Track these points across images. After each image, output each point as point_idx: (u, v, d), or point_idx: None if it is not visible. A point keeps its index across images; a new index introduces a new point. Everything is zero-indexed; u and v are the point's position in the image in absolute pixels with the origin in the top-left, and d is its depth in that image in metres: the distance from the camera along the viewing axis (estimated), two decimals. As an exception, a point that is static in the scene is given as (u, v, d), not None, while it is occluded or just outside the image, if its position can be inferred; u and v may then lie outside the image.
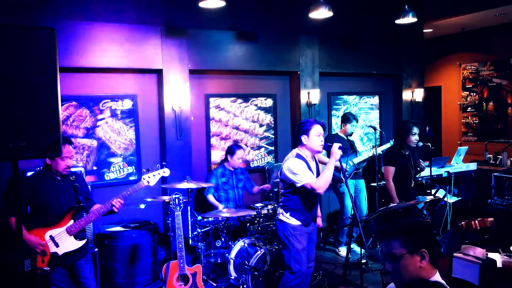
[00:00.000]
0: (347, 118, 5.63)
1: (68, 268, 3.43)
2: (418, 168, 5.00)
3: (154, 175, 3.73)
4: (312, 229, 3.83)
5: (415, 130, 4.77)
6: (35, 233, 3.23)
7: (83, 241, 3.42)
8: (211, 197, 5.12)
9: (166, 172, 3.83)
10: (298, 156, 3.66)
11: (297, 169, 3.57)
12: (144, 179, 3.68)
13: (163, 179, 5.27)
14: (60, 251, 3.30)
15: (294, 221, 3.67)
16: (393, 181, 4.83)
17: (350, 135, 5.69)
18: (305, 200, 3.67)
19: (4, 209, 3.32)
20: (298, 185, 3.57)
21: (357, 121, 5.67)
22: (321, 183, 3.56)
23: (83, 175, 4.50)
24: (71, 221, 3.36)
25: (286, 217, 3.69)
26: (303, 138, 3.64)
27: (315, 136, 3.62)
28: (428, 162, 5.05)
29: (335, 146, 3.63)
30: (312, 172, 3.67)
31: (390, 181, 4.78)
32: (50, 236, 3.28)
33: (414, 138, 4.77)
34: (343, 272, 3.81)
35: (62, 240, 3.31)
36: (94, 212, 3.43)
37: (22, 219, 3.13)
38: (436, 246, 2.04)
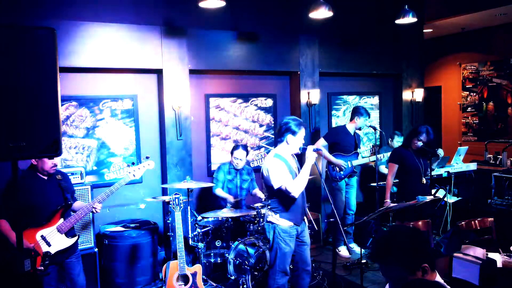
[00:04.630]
0: (360, 112, 5.45)
1: (59, 265, 3.48)
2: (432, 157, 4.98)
3: (139, 168, 3.79)
4: (303, 229, 3.79)
5: (423, 137, 4.80)
6: (25, 235, 3.21)
7: (75, 238, 3.50)
8: (219, 191, 5.05)
9: (150, 164, 3.87)
10: (278, 156, 3.62)
11: (274, 170, 3.53)
12: (129, 172, 3.73)
13: (162, 179, 5.28)
14: (53, 249, 3.34)
15: (284, 223, 3.63)
16: (402, 179, 4.86)
17: (359, 129, 5.61)
18: (292, 200, 3.61)
19: None
20: (275, 187, 3.53)
21: (369, 116, 5.52)
22: (295, 187, 3.51)
23: (83, 174, 4.51)
24: (61, 220, 3.41)
25: (276, 219, 3.65)
26: (289, 137, 3.61)
27: (300, 138, 3.62)
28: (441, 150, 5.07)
29: (310, 149, 3.57)
30: (293, 170, 3.64)
31: (389, 178, 4.86)
32: (42, 236, 3.32)
33: (419, 143, 4.81)
34: (332, 272, 3.80)
35: (54, 239, 3.36)
36: (83, 209, 3.49)
37: (12, 220, 3.22)
38: (432, 250, 1.98)
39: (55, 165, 3.42)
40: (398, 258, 1.78)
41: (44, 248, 3.31)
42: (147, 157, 3.89)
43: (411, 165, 4.78)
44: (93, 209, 3.54)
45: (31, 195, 3.33)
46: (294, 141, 3.61)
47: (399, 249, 1.80)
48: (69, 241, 3.43)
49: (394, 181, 5.09)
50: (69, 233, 3.45)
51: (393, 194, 5.22)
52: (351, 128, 5.55)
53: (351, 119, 5.58)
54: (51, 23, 4.36)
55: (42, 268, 3.25)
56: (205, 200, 5.32)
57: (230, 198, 4.97)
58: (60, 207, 3.41)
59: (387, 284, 2.08)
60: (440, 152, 4.98)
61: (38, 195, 3.36)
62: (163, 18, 5.14)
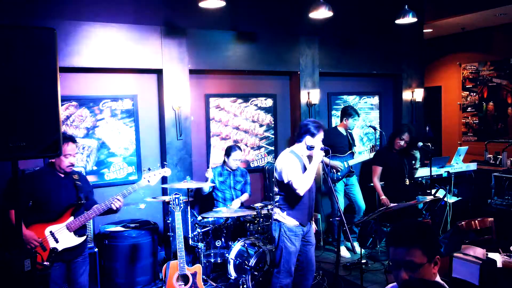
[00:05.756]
0: (349, 113, 5.49)
1: (67, 263, 3.48)
2: (413, 161, 5.03)
3: (154, 175, 3.75)
4: (309, 230, 3.80)
5: (405, 136, 4.80)
6: (35, 229, 3.28)
7: (83, 238, 3.48)
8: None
9: (167, 172, 3.84)
10: (293, 153, 3.68)
11: (287, 164, 3.59)
12: (144, 178, 3.71)
13: (163, 179, 5.28)
14: (60, 246, 3.36)
15: (290, 221, 3.65)
16: (386, 180, 4.87)
17: (351, 130, 5.63)
18: (302, 199, 3.64)
19: (5, 203, 3.39)
20: (285, 181, 3.57)
21: (359, 116, 5.54)
22: (301, 184, 3.54)
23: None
24: (71, 218, 3.42)
25: (282, 217, 3.67)
26: (308, 139, 3.66)
27: (318, 141, 3.66)
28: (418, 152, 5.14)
29: (317, 147, 3.62)
30: (304, 170, 3.66)
31: (375, 180, 4.92)
32: (50, 232, 3.34)
33: (402, 142, 4.81)
34: (335, 273, 3.80)
35: (62, 236, 3.37)
36: (94, 209, 3.48)
37: (22, 214, 3.21)
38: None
39: (72, 165, 3.46)
40: (425, 243, 1.83)
41: (52, 244, 3.33)
42: (164, 164, 3.88)
43: (395, 167, 4.79)
44: (112, 205, 3.53)
45: (45, 190, 3.38)
46: (312, 143, 3.66)
47: (426, 235, 1.86)
48: (76, 240, 3.44)
49: (372, 184, 5.13)
50: (78, 232, 3.46)
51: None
52: (342, 129, 5.56)
53: (341, 121, 5.59)
54: (51, 23, 4.36)
55: (48, 263, 3.28)
56: (205, 200, 5.32)
57: (206, 186, 5.01)
58: (71, 205, 3.44)
59: (389, 285, 2.08)
60: (417, 153, 5.01)
61: (52, 191, 3.40)
62: (163, 18, 5.13)
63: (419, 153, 5.15)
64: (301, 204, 3.66)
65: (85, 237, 3.50)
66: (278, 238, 3.67)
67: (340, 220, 3.55)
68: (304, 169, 3.66)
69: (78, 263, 3.53)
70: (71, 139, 3.47)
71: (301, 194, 3.56)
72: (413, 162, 5.04)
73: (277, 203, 3.75)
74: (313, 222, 3.93)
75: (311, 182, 3.61)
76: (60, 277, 3.43)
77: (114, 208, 3.50)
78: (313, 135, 3.64)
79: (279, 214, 3.70)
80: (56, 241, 3.34)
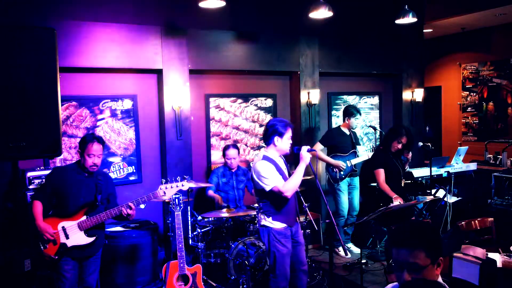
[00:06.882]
0: (350, 112, 5.49)
1: (78, 261, 3.52)
2: (404, 161, 5.04)
3: (171, 187, 3.64)
4: (297, 230, 3.78)
5: (403, 139, 4.80)
6: (49, 222, 3.37)
7: (92, 238, 3.49)
8: (211, 192, 5.13)
9: (184, 185, 3.68)
10: (266, 158, 3.60)
11: (265, 172, 3.51)
12: (161, 189, 3.62)
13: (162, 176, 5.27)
14: (69, 243, 3.41)
15: (278, 225, 3.60)
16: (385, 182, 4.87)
17: (354, 128, 5.63)
18: (285, 201, 3.59)
19: (37, 193, 3.51)
20: (267, 189, 3.51)
21: (360, 114, 5.55)
22: (289, 187, 3.50)
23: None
24: (84, 217, 3.46)
25: (269, 222, 3.61)
26: (276, 139, 3.58)
27: (287, 139, 3.61)
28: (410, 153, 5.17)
29: (304, 150, 3.56)
30: (282, 171, 3.63)
31: (382, 183, 4.82)
32: (62, 227, 3.40)
33: (400, 145, 4.80)
34: (329, 272, 3.80)
35: (73, 233, 3.42)
36: (107, 212, 3.50)
37: (45, 206, 3.42)
38: None
39: (95, 165, 3.48)
40: (428, 245, 1.81)
41: (62, 239, 3.39)
42: (185, 177, 3.75)
43: (393, 169, 4.79)
44: (122, 213, 3.54)
45: (67, 186, 3.44)
46: (282, 143, 3.59)
47: (430, 237, 1.84)
48: (86, 239, 3.46)
49: (373, 184, 5.11)
50: (89, 232, 3.48)
51: (378, 198, 5.19)
52: (345, 129, 5.56)
53: (344, 120, 5.60)
54: (51, 23, 4.36)
55: (57, 257, 3.36)
56: (204, 200, 5.32)
57: (219, 200, 5.02)
58: (86, 204, 3.47)
59: (389, 285, 2.08)
60: (409, 155, 5.04)
61: (72, 188, 3.45)
62: (163, 18, 5.14)
63: (419, 153, 5.16)
64: (286, 206, 3.61)
65: (95, 237, 3.51)
66: (269, 243, 3.62)
67: (330, 222, 3.54)
68: (280, 171, 3.61)
69: (89, 262, 3.56)
70: (98, 139, 3.48)
71: (289, 196, 3.53)
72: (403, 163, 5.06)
73: (261, 210, 3.68)
74: (299, 221, 3.91)
75: (298, 184, 3.56)
76: (69, 271, 3.45)
77: (124, 214, 3.49)
78: (281, 134, 3.56)
79: (265, 220, 3.63)
80: (67, 237, 3.40)
